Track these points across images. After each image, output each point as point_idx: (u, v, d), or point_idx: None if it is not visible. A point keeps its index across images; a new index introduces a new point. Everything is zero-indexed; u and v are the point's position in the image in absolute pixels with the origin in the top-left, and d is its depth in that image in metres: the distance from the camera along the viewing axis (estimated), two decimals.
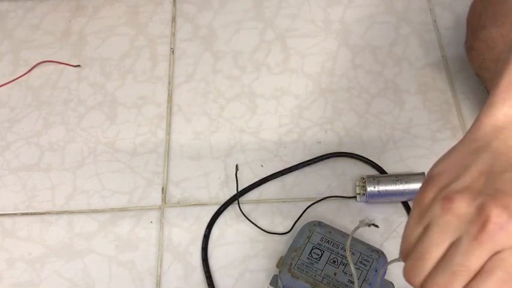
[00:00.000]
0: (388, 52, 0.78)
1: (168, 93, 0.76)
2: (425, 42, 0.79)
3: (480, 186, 0.33)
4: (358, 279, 0.55)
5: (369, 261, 0.56)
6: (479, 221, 0.31)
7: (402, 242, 0.35)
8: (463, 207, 0.32)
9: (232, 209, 0.66)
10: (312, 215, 0.65)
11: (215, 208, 0.66)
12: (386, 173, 0.67)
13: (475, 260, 0.31)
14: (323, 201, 0.66)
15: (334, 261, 0.56)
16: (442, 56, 0.78)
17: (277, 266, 0.58)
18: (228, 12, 0.83)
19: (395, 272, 0.60)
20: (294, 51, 0.79)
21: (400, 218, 0.64)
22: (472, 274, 0.31)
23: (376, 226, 0.42)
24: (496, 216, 0.31)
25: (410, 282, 0.34)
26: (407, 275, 0.34)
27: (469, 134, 0.36)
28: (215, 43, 0.80)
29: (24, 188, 0.69)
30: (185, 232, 0.65)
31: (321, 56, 0.78)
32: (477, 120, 0.36)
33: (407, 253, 0.34)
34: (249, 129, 0.72)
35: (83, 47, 0.81)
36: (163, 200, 0.68)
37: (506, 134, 0.34)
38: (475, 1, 0.71)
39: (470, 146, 0.35)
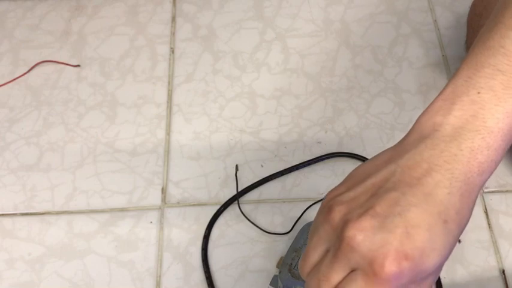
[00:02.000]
0: (389, 52, 0.78)
1: (168, 93, 0.76)
2: (426, 42, 0.79)
3: (361, 201, 0.33)
4: None
5: None
6: (340, 238, 0.32)
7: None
8: (336, 220, 0.33)
9: (232, 209, 0.66)
10: (312, 215, 0.65)
11: (215, 208, 0.66)
12: None
13: (334, 273, 0.32)
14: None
15: None
16: (443, 56, 0.77)
17: (277, 266, 0.57)
18: (228, 12, 0.83)
19: None
20: (294, 51, 0.79)
21: None
22: (332, 286, 0.32)
23: None
24: (350, 237, 0.31)
25: (301, 271, 0.36)
26: (299, 268, 0.36)
27: (400, 140, 0.35)
28: (215, 43, 0.80)
29: (23, 188, 0.69)
30: (185, 232, 0.65)
31: (321, 56, 0.78)
32: (412, 127, 0.34)
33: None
34: (249, 129, 0.72)
35: (82, 46, 0.81)
36: (163, 200, 0.67)
37: (427, 144, 0.32)
38: (475, 1, 0.70)
39: (391, 153, 0.34)
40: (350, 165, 0.69)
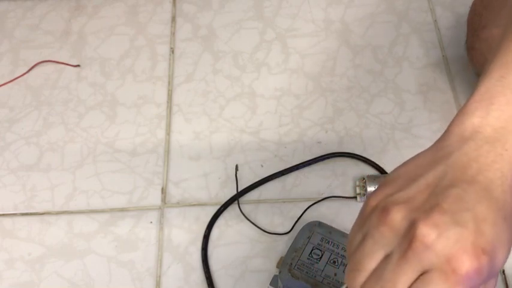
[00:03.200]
0: (389, 52, 0.78)
1: (168, 93, 0.76)
2: (426, 42, 0.79)
3: (421, 200, 0.31)
4: None
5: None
6: (408, 237, 0.30)
7: (347, 246, 0.34)
8: (397, 220, 0.31)
9: (232, 209, 0.66)
10: (312, 215, 0.65)
11: (215, 208, 0.66)
12: (387, 173, 0.67)
13: (403, 277, 0.30)
14: (323, 201, 0.66)
15: (334, 262, 0.56)
16: (443, 56, 0.77)
17: (277, 266, 0.57)
18: (228, 12, 0.83)
19: None
20: (294, 51, 0.79)
21: None
22: None
23: None
24: (423, 235, 0.30)
25: (349, 286, 0.33)
26: (347, 281, 0.33)
27: (437, 142, 0.34)
28: (215, 43, 0.80)
29: (23, 188, 0.69)
30: (185, 232, 0.65)
31: (321, 56, 0.78)
32: (447, 129, 0.34)
33: (349, 258, 0.34)
34: (249, 129, 0.72)
35: (82, 46, 0.81)
36: (163, 200, 0.67)
37: (470, 146, 0.32)
38: (475, 1, 0.70)
39: (432, 154, 0.33)
40: (350, 165, 0.69)
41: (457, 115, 0.34)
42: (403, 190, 0.32)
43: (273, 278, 0.59)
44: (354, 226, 0.34)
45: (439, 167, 0.32)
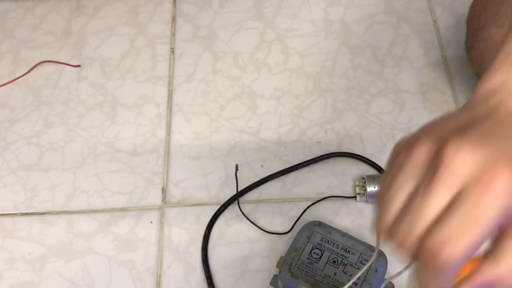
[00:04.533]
0: (388, 52, 0.78)
1: (168, 93, 0.76)
2: (426, 42, 0.79)
3: (449, 130, 0.30)
4: (358, 279, 0.55)
5: (368, 261, 0.56)
6: (435, 163, 0.28)
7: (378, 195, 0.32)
8: (423, 149, 0.29)
9: (232, 209, 0.66)
10: (312, 215, 0.65)
11: (215, 208, 0.66)
12: None
13: (434, 201, 0.28)
14: (323, 201, 0.66)
15: (334, 261, 0.56)
16: (442, 56, 0.78)
17: (277, 266, 0.58)
18: (228, 12, 0.83)
19: (395, 272, 0.60)
20: (294, 51, 0.79)
21: None
22: (431, 218, 0.28)
23: None
24: (450, 157, 0.28)
25: (378, 231, 0.31)
26: (375, 224, 0.31)
27: (463, 105, 0.33)
28: (215, 43, 0.80)
29: (24, 188, 0.69)
30: (185, 232, 0.65)
31: (321, 56, 0.78)
32: (472, 93, 0.33)
33: (377, 205, 0.32)
34: (249, 129, 0.72)
35: (83, 47, 0.81)
36: (163, 200, 0.68)
37: (497, 96, 0.32)
38: (474, 1, 0.71)
39: (460, 110, 0.32)
40: (350, 165, 0.69)
41: (479, 81, 0.34)
42: (428, 131, 0.31)
43: (273, 278, 0.59)
44: (383, 175, 0.32)
45: (467, 114, 0.31)
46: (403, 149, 0.30)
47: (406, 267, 0.31)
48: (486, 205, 0.27)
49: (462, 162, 0.28)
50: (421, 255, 0.28)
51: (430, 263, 0.28)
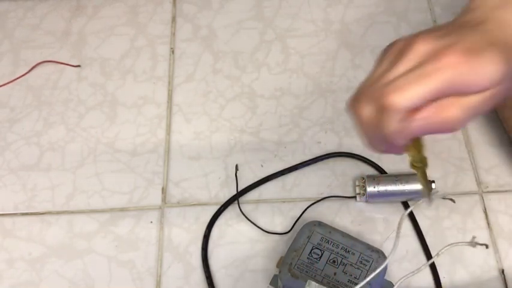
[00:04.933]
0: None
1: (168, 93, 0.76)
2: None
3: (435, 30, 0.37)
4: (358, 278, 0.55)
5: (368, 261, 0.56)
6: (405, 49, 0.37)
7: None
8: (400, 45, 0.38)
9: (232, 209, 0.66)
10: (312, 215, 0.65)
11: (215, 208, 0.66)
12: (386, 173, 0.67)
13: (395, 70, 0.36)
14: (323, 201, 0.66)
15: (334, 261, 0.56)
16: None
17: (277, 266, 0.58)
18: (228, 12, 0.83)
19: (395, 272, 0.60)
20: (294, 51, 0.79)
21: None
22: (392, 78, 0.36)
23: (453, 200, 0.45)
24: (421, 36, 0.36)
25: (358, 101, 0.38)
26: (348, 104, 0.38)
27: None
28: (215, 43, 0.80)
29: (24, 188, 0.69)
30: (185, 232, 0.65)
31: (321, 56, 0.78)
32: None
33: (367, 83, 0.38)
34: (249, 129, 0.72)
35: (82, 47, 0.81)
36: (163, 200, 0.68)
37: (476, 12, 0.38)
38: None
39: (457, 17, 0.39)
40: (350, 165, 0.69)
41: None
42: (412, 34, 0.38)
43: (273, 278, 0.59)
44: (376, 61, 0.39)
45: (443, 26, 0.38)
46: (387, 47, 0.39)
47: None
48: (432, 71, 0.34)
49: (424, 45, 0.35)
50: (375, 102, 0.35)
51: (380, 106, 0.35)
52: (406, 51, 0.36)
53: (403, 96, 0.34)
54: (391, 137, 0.36)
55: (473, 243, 0.42)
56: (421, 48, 0.35)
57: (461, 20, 0.37)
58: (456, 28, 0.36)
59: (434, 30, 0.36)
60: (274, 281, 0.59)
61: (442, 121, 0.35)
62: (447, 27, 0.37)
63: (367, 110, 0.36)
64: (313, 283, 0.53)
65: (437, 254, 0.40)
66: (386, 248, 0.60)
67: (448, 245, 0.44)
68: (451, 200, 0.44)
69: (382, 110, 0.35)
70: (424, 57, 0.35)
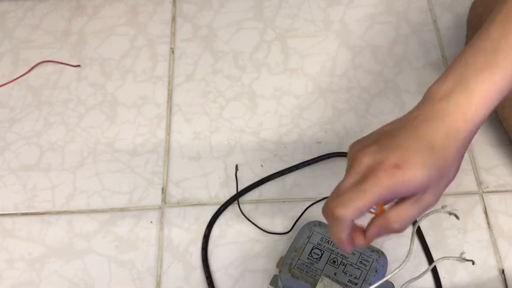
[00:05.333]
0: (388, 52, 0.78)
1: (168, 93, 0.76)
2: (426, 42, 0.79)
3: (371, 141, 0.42)
4: (358, 279, 0.55)
5: (368, 261, 0.56)
6: (353, 160, 0.42)
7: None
8: (350, 154, 0.43)
9: (232, 209, 0.66)
10: (312, 215, 0.65)
11: (215, 208, 0.66)
12: None
13: (343, 183, 0.41)
14: (323, 201, 0.66)
15: (334, 261, 0.56)
16: (442, 56, 0.78)
17: (277, 266, 0.58)
18: (228, 12, 0.83)
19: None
20: (294, 51, 0.79)
21: None
22: (340, 192, 0.41)
23: (457, 217, 0.47)
24: (360, 155, 0.41)
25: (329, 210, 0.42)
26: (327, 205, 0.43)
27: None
28: (215, 43, 0.80)
29: (24, 188, 0.69)
30: (185, 232, 0.65)
31: (321, 56, 0.78)
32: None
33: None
34: (249, 129, 0.72)
35: (82, 47, 0.81)
36: (163, 200, 0.67)
37: (425, 103, 0.44)
38: (475, 1, 0.71)
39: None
40: None
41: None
42: (370, 135, 0.44)
43: (273, 278, 0.59)
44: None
45: (401, 119, 0.44)
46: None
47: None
48: (368, 187, 0.39)
49: (367, 159, 0.41)
50: (329, 214, 0.41)
51: (330, 218, 0.41)
52: (353, 164, 0.42)
53: (346, 210, 0.40)
54: (341, 244, 0.42)
55: (461, 259, 0.46)
56: (365, 162, 0.41)
57: (406, 118, 0.43)
58: (395, 135, 0.42)
59: (379, 138, 0.42)
60: (274, 281, 0.59)
61: (387, 232, 0.42)
62: (388, 133, 0.42)
63: (328, 220, 0.42)
64: (326, 278, 0.54)
65: (429, 268, 0.43)
66: (386, 248, 0.60)
67: (439, 259, 0.48)
68: (455, 216, 0.46)
69: (332, 221, 0.41)
70: (365, 170, 0.40)
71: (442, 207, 0.45)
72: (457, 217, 0.47)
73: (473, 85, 0.41)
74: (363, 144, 0.42)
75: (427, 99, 0.44)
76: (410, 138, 0.41)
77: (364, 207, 0.40)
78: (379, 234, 0.43)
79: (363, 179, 0.40)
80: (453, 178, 0.42)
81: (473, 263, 0.47)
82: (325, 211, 0.42)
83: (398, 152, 0.40)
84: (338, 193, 0.41)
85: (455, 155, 0.41)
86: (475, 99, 0.41)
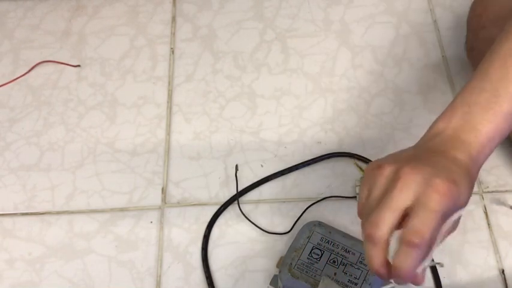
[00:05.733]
0: (389, 52, 0.78)
1: (168, 93, 0.76)
2: (426, 42, 0.79)
3: (404, 160, 0.42)
4: (358, 279, 0.55)
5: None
6: (395, 178, 0.40)
7: (357, 204, 0.44)
8: (387, 171, 0.41)
9: (232, 209, 0.66)
10: (312, 215, 0.65)
11: (215, 208, 0.66)
12: None
13: (397, 200, 0.40)
14: (323, 201, 0.66)
15: (334, 261, 0.56)
16: (443, 56, 0.78)
17: (277, 266, 0.58)
18: (228, 12, 0.83)
19: None
20: (294, 51, 0.79)
21: None
22: (398, 212, 0.40)
23: (441, 265, 0.48)
24: (405, 174, 0.40)
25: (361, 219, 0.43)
26: (358, 215, 0.44)
27: (417, 142, 0.46)
28: (215, 43, 0.80)
29: (24, 188, 0.69)
30: (185, 232, 0.65)
31: (321, 56, 0.78)
32: (426, 132, 0.46)
33: (359, 209, 0.44)
34: (249, 129, 0.72)
35: (82, 47, 0.81)
36: (163, 200, 0.67)
37: (435, 140, 0.44)
38: (475, 2, 0.71)
39: (412, 147, 0.45)
40: (350, 165, 0.69)
41: (433, 122, 0.46)
42: (388, 159, 0.43)
43: (273, 278, 0.59)
44: (360, 187, 0.45)
45: (415, 149, 0.44)
46: (374, 170, 0.43)
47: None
48: (434, 205, 0.39)
49: (412, 178, 0.40)
50: (364, 233, 0.41)
51: (364, 237, 0.40)
52: (397, 182, 0.40)
53: (379, 231, 0.40)
54: (373, 267, 0.41)
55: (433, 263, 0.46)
56: (410, 181, 0.40)
57: (426, 147, 0.44)
58: (426, 159, 0.42)
59: (411, 159, 0.42)
60: (274, 281, 0.59)
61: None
62: (419, 156, 0.43)
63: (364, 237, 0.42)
64: (328, 279, 0.54)
65: (427, 265, 0.43)
66: None
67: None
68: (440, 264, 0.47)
69: (366, 240, 0.40)
70: (415, 189, 0.40)
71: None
72: (441, 265, 0.48)
73: (479, 125, 0.43)
74: (397, 165, 0.42)
75: (438, 134, 0.44)
76: (449, 162, 0.42)
77: (394, 223, 0.40)
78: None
79: (420, 195, 0.39)
80: (465, 205, 0.42)
81: (441, 266, 0.47)
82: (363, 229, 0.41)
83: (446, 168, 0.40)
84: (366, 210, 0.41)
85: (467, 185, 0.42)
86: (481, 137, 0.43)
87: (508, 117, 0.43)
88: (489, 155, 0.44)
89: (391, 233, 0.40)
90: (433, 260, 0.45)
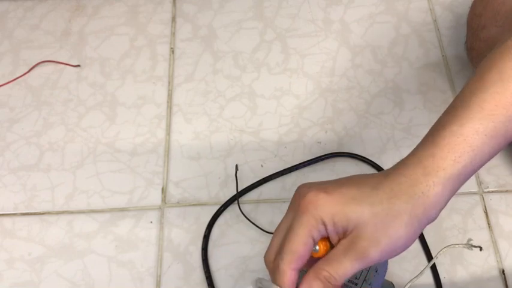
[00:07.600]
0: (388, 52, 0.78)
1: (168, 93, 0.76)
2: (426, 42, 0.79)
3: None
4: (358, 279, 0.55)
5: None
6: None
7: None
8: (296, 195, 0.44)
9: (232, 209, 0.66)
10: None
11: (215, 208, 0.66)
12: None
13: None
14: None
15: None
16: (443, 56, 0.78)
17: None
18: (228, 12, 0.83)
19: (395, 272, 0.60)
20: (294, 51, 0.79)
21: None
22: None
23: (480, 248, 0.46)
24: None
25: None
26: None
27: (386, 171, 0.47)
28: (215, 43, 0.80)
29: (23, 188, 0.69)
30: (185, 232, 0.65)
31: (321, 56, 0.78)
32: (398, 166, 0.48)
33: None
34: (249, 129, 0.72)
35: (82, 47, 0.81)
36: (163, 200, 0.67)
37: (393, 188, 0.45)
38: (475, 1, 0.70)
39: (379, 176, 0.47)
40: (350, 165, 0.69)
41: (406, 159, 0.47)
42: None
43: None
44: None
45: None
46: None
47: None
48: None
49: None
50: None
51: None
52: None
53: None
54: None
55: (468, 245, 0.44)
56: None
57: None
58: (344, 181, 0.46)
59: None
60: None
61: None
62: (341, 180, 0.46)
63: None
64: None
65: (436, 256, 0.42)
66: None
67: (446, 246, 0.46)
68: (479, 247, 0.46)
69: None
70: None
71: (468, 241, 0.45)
72: (481, 248, 0.46)
73: (449, 168, 0.44)
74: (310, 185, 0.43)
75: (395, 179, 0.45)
76: (354, 183, 0.44)
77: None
78: None
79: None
80: (405, 239, 0.43)
81: (480, 249, 0.45)
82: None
83: (331, 184, 0.43)
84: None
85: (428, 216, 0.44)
86: (447, 182, 0.43)
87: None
88: (451, 195, 0.44)
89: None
90: (470, 243, 0.44)
